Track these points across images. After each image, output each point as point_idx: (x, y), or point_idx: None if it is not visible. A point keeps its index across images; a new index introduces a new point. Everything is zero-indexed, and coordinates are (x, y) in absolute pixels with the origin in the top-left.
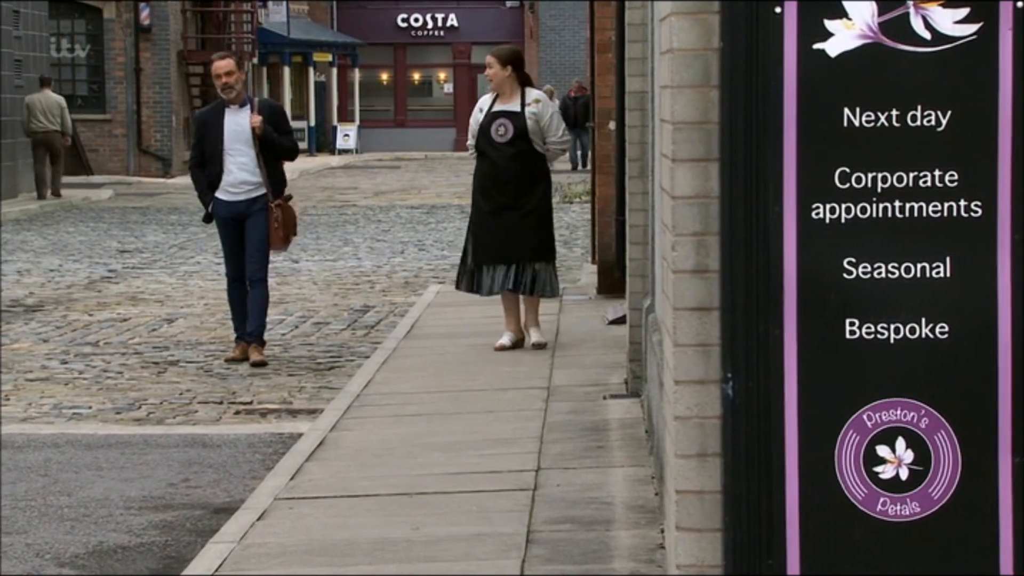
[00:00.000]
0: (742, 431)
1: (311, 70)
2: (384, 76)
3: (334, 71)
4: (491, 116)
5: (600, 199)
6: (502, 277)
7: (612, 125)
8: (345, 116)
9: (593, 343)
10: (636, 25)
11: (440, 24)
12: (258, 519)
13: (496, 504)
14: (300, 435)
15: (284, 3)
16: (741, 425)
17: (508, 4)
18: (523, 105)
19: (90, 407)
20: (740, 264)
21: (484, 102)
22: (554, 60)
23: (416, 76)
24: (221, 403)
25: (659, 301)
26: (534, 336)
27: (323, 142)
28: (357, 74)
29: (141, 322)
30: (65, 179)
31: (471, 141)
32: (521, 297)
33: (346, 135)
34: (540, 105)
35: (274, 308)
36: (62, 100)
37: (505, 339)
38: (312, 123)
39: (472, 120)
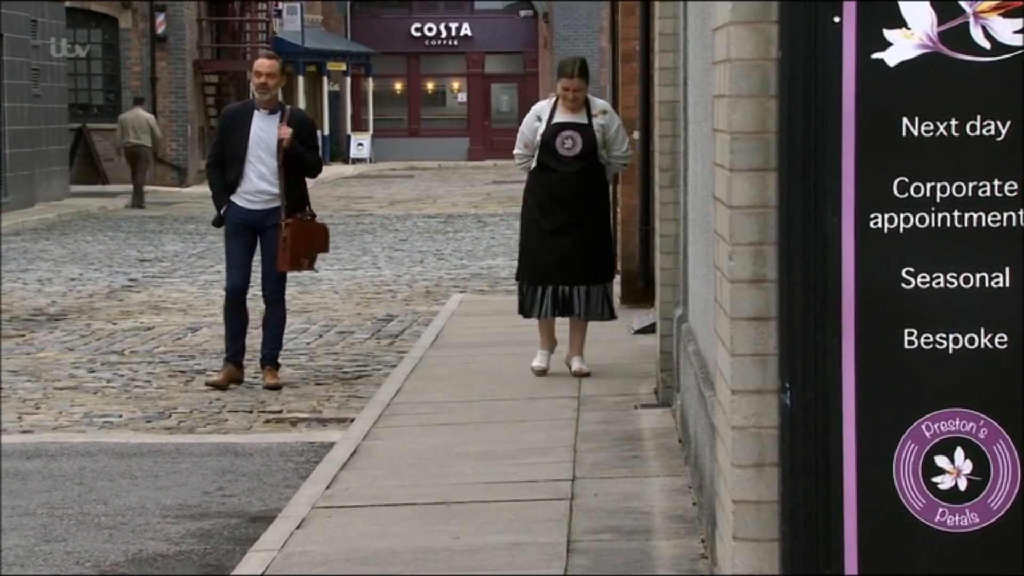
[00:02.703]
0: (800, 441)
1: (325, 79)
2: (398, 85)
3: (348, 80)
4: (556, 128)
5: (624, 209)
6: (551, 301)
7: (636, 135)
8: (359, 125)
9: (620, 353)
10: (667, 35)
11: (454, 33)
12: (297, 527)
13: (534, 513)
14: (332, 444)
15: (299, 13)
16: (799, 435)
17: (522, 14)
18: (590, 117)
19: (120, 415)
20: (798, 274)
21: (542, 110)
22: None
23: (430, 85)
24: (251, 412)
25: (699, 310)
26: (575, 364)
27: (337, 151)
28: (371, 83)
29: (165, 331)
30: (79, 188)
31: (521, 150)
32: (569, 320)
33: (360, 144)
34: (607, 116)
35: (297, 317)
36: (151, 118)
37: (542, 360)
38: (326, 132)
39: (526, 128)
